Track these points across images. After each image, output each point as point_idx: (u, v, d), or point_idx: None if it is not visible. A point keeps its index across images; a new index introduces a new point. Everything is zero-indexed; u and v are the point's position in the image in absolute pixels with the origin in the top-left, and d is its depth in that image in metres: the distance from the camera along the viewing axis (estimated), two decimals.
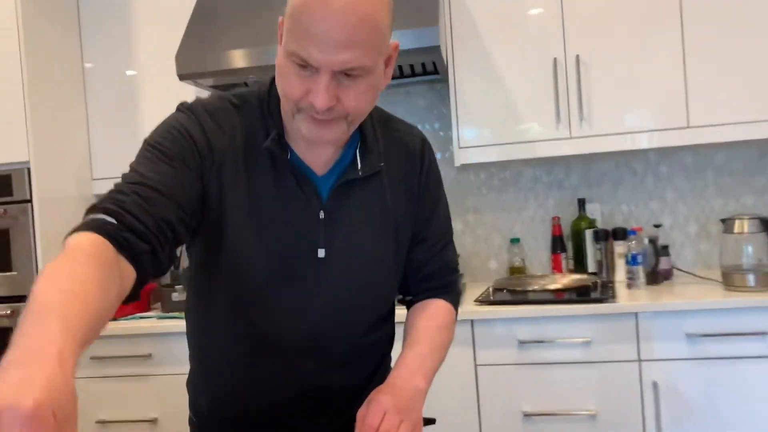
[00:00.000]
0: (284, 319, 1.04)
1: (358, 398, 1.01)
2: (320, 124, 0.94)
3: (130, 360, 2.39)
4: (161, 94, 2.64)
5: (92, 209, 0.84)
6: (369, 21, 0.88)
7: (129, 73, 2.70)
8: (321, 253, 1.04)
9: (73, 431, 0.55)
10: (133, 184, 0.88)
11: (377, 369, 1.16)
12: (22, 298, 2.40)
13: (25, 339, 0.60)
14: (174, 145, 0.95)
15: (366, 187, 1.07)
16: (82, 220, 0.82)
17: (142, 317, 2.49)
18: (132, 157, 0.96)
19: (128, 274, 0.81)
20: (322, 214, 1.04)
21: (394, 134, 1.13)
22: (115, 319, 2.47)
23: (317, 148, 1.03)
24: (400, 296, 1.23)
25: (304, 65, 0.89)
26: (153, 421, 2.38)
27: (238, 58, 2.35)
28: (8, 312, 2.39)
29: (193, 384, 1.16)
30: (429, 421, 1.17)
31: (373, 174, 1.07)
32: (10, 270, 2.41)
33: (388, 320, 1.18)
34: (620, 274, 2.47)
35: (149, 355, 2.37)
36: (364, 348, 1.12)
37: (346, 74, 0.90)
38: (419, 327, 1.13)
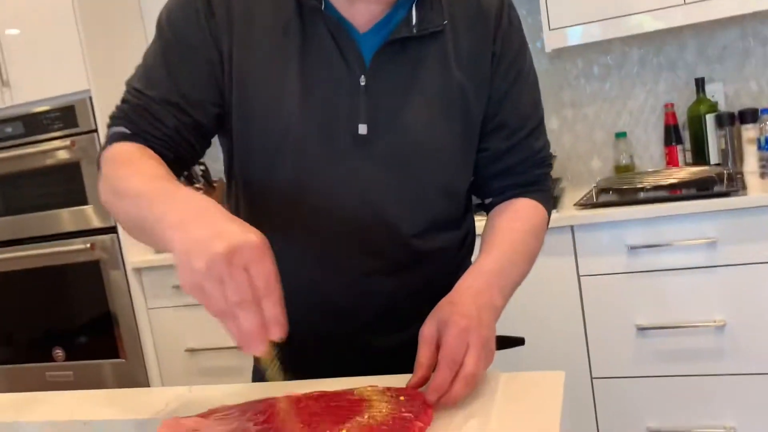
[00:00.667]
0: (322, 207, 0.87)
1: (420, 314, 0.80)
2: None
3: None
4: None
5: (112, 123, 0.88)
6: None
7: None
8: (362, 129, 0.86)
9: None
10: (137, 94, 0.87)
11: (448, 284, 0.94)
12: (99, 231, 2.37)
13: (178, 207, 0.66)
14: (184, 27, 0.87)
15: (423, 50, 0.87)
16: (106, 138, 0.87)
17: None
18: None
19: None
20: (363, 81, 0.85)
21: None
22: None
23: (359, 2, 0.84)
24: (479, 201, 1.01)
25: None
26: (239, 348, 2.32)
27: None
28: (88, 246, 2.37)
29: None
30: (516, 342, 0.96)
31: (432, 34, 0.87)
32: (86, 203, 2.37)
33: (455, 225, 0.97)
34: (750, 163, 2.10)
35: None
36: (422, 252, 0.91)
37: None
38: (499, 229, 0.92)
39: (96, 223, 2.37)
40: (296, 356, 0.85)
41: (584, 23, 2.12)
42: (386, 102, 0.86)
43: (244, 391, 0.87)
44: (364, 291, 0.91)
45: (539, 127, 0.98)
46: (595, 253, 1.94)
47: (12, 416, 0.96)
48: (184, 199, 0.67)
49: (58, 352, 2.48)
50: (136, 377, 2.42)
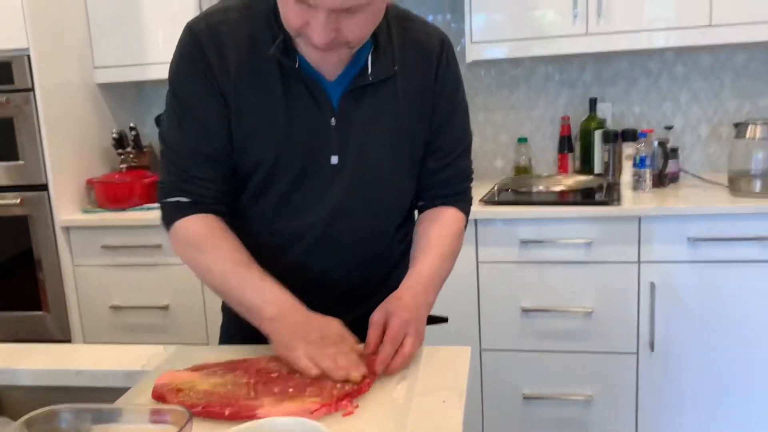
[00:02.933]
0: (299, 221, 1.08)
1: (372, 297, 1.06)
2: (321, 51, 0.94)
3: (140, 249, 2.44)
4: None
5: (165, 194, 1.08)
6: None
7: None
8: (334, 159, 1.06)
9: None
10: (175, 159, 1.06)
11: (392, 270, 1.19)
12: (30, 188, 2.42)
13: (262, 298, 1.00)
14: (194, 92, 1.02)
15: (378, 93, 1.06)
16: (166, 206, 1.08)
17: (150, 208, 2.52)
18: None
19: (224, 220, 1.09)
20: (333, 122, 1.05)
21: (410, 35, 1.09)
22: (124, 209, 2.51)
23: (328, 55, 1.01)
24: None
25: (302, 0, 0.88)
26: (164, 308, 2.48)
27: None
28: (18, 201, 2.42)
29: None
30: (441, 320, 1.22)
31: (385, 79, 1.05)
32: (17, 159, 2.41)
33: (403, 226, 1.20)
34: (627, 175, 2.46)
35: (159, 246, 2.42)
36: (378, 252, 1.15)
37: (345, 10, 0.88)
38: (432, 236, 1.14)
39: (28, 179, 2.42)
40: None
41: (501, 41, 2.39)
42: (353, 138, 1.05)
43: (219, 352, 1.06)
44: (331, 282, 1.13)
45: (468, 148, 1.19)
46: (492, 243, 2.24)
47: (7, 363, 1.10)
48: (274, 297, 0.99)
49: None
50: (57, 330, 2.51)
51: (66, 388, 1.07)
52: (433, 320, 1.18)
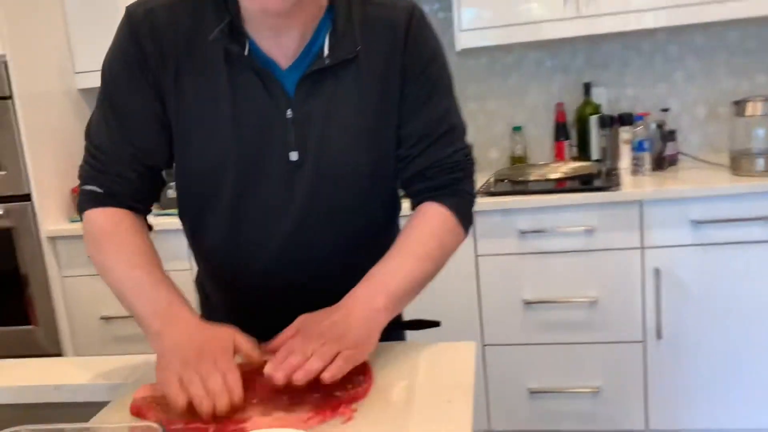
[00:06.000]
0: (260, 227, 0.98)
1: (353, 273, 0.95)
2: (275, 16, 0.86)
3: None
4: None
5: (82, 180, 0.99)
6: None
7: None
8: (293, 156, 0.94)
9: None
10: (97, 153, 0.97)
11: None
12: (13, 198, 2.35)
13: (152, 308, 0.90)
14: (126, 88, 0.95)
15: (339, 78, 0.93)
16: (81, 193, 1.00)
17: None
18: None
19: (141, 218, 1.01)
20: (290, 113, 0.93)
21: (374, 11, 0.95)
22: None
23: (281, 35, 0.91)
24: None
25: None
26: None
27: None
28: (0, 212, 2.35)
29: (199, 282, 1.17)
30: (432, 324, 1.13)
31: (346, 61, 0.92)
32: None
33: (386, 230, 1.07)
34: (625, 160, 2.41)
35: None
36: (363, 255, 0.98)
37: None
38: (402, 237, 0.98)
39: (12, 189, 2.35)
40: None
41: (490, 27, 2.33)
42: (312, 130, 0.93)
43: None
44: (306, 292, 1.00)
45: (450, 132, 1.00)
46: (491, 236, 2.18)
47: None
48: (162, 309, 0.89)
49: None
50: (47, 344, 2.44)
51: (47, 404, 1.01)
52: (423, 325, 1.11)
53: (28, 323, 2.44)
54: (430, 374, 0.89)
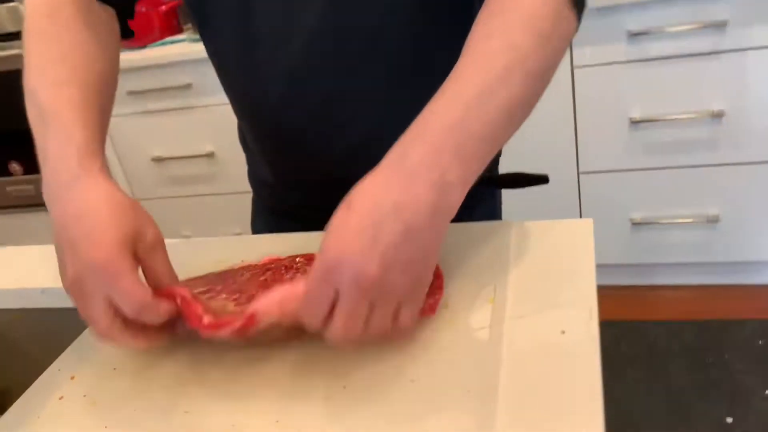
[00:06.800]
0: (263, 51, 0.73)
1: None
2: None
3: (168, 92, 2.11)
4: None
5: None
6: None
7: None
8: None
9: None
10: None
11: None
12: None
13: (57, 155, 0.57)
14: None
15: None
16: None
17: (173, 41, 2.14)
18: None
19: (108, 15, 0.72)
20: None
21: None
22: (143, 46, 2.14)
23: None
24: None
25: None
26: (210, 155, 2.19)
27: None
28: None
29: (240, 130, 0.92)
30: (539, 180, 0.81)
31: None
32: None
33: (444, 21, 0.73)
34: None
35: (189, 85, 2.08)
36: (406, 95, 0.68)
37: None
38: (468, 50, 0.57)
39: None
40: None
41: None
42: None
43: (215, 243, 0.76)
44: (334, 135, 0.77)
45: None
46: (591, 41, 1.76)
47: None
48: (65, 164, 0.56)
49: (15, 167, 2.33)
50: None
51: (32, 310, 0.81)
52: (524, 181, 0.80)
53: None
54: (523, 278, 0.60)
